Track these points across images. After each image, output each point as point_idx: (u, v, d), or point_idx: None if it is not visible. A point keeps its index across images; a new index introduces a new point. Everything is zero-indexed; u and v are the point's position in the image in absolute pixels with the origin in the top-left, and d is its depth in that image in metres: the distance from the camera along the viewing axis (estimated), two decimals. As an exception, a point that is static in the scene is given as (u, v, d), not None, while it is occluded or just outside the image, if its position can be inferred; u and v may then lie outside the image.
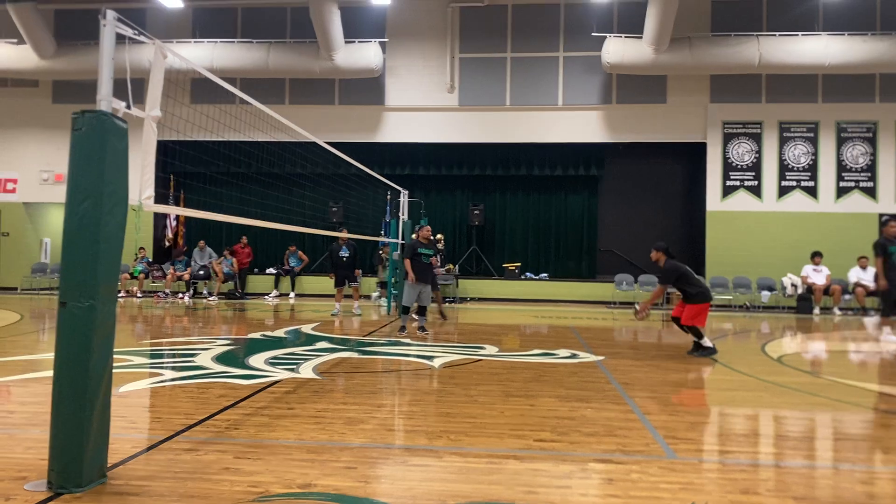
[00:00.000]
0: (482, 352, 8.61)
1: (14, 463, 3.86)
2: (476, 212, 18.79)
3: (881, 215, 17.06)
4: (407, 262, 10.53)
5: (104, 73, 3.60)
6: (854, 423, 5.41)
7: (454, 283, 17.86)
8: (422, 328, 10.53)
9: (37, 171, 19.33)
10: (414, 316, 10.73)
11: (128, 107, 3.74)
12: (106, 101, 3.60)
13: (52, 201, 19.33)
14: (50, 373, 3.55)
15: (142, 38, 3.87)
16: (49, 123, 19.10)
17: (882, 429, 5.24)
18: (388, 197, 17.41)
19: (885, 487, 3.77)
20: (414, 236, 11.31)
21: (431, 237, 10.99)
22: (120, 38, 3.73)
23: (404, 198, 14.52)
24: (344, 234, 13.22)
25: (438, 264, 13.03)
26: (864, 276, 15.89)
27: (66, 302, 3.50)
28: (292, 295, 18.02)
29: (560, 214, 19.45)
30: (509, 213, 19.65)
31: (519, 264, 18.81)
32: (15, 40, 17.78)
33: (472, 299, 17.99)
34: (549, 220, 19.50)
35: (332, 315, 13.16)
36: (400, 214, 14.55)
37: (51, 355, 3.55)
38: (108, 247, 3.58)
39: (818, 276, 16.03)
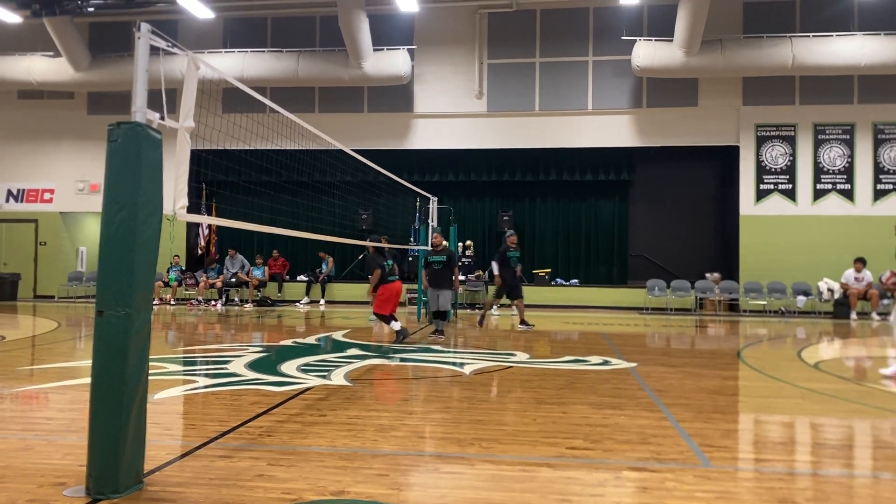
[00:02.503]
0: (513, 359, 8.57)
1: (53, 469, 3.93)
2: (505, 218, 18.75)
3: (920, 218, 16.70)
4: (423, 272, 11.20)
5: (139, 86, 3.66)
6: (894, 431, 5.28)
7: (484, 290, 17.84)
8: (440, 332, 10.79)
9: (73, 181, 19.72)
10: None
11: (162, 118, 3.80)
12: (141, 112, 3.66)
13: (87, 211, 19.71)
14: (87, 380, 3.61)
15: (175, 49, 3.92)
16: (84, 134, 19.47)
17: (925, 437, 5.10)
18: (418, 204, 17.44)
19: (929, 498, 3.67)
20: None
21: (443, 243, 11.31)
22: (153, 50, 3.78)
23: (433, 204, 14.55)
24: (384, 244, 13.53)
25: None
26: (904, 280, 15.53)
27: (102, 311, 3.55)
28: (322, 301, 18.14)
29: (590, 220, 19.32)
30: (539, 218, 19.57)
31: (549, 270, 18.71)
32: (51, 53, 18.18)
33: (502, 305, 17.91)
34: (579, 225, 19.38)
35: (371, 321, 13.40)
36: (429, 221, 14.58)
37: (88, 362, 3.61)
38: (143, 256, 3.63)
39: (860, 283, 15.66)
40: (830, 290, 16.08)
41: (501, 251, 12.39)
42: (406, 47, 17.75)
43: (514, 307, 13.16)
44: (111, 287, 3.56)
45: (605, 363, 8.27)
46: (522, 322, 12.40)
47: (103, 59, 18.25)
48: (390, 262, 10.52)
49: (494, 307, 16.64)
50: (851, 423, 5.50)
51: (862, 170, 17.03)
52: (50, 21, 16.98)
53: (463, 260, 17.76)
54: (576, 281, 18.77)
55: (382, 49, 17.51)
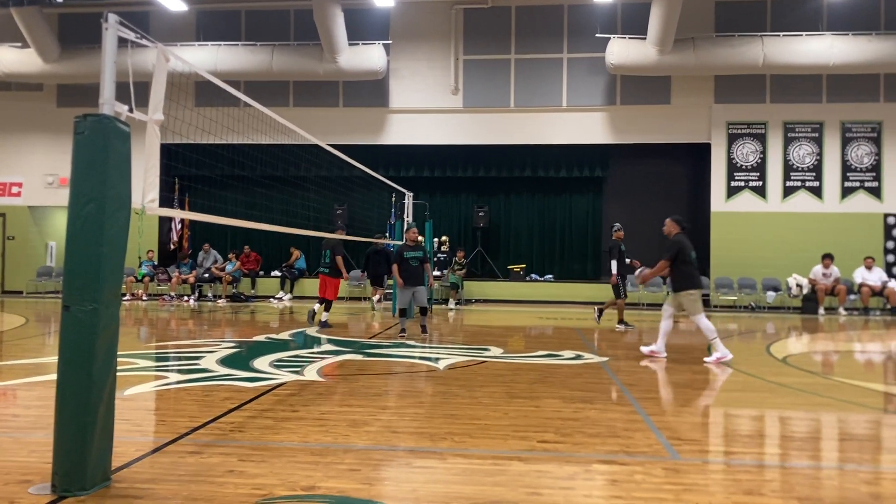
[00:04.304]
0: (487, 353, 8.60)
1: (18, 466, 3.88)
2: (481, 213, 18.79)
3: (886, 215, 17.03)
4: (395, 267, 10.54)
5: (106, 77, 3.62)
6: (859, 423, 5.40)
7: (460, 284, 17.85)
8: (423, 328, 10.54)
9: (42, 174, 19.40)
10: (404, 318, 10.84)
11: (130, 110, 3.76)
12: (108, 104, 3.61)
13: (57, 205, 19.39)
14: (55, 376, 3.56)
15: (144, 41, 3.88)
16: (54, 127, 19.16)
17: (887, 429, 5.22)
18: (393, 199, 17.41)
19: (889, 488, 3.75)
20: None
21: (419, 239, 10.99)
22: (123, 42, 3.74)
23: (409, 200, 14.54)
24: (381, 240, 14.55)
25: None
26: (870, 276, 15.83)
27: (69, 306, 3.51)
28: (288, 296, 18.03)
29: (565, 216, 19.43)
30: (514, 214, 19.64)
31: (524, 266, 18.79)
32: (19, 44, 17.85)
33: (478, 301, 17.97)
34: (553, 221, 19.49)
35: (375, 309, 15.03)
36: (405, 216, 14.56)
37: (55, 358, 3.56)
38: (111, 250, 3.59)
39: (827, 279, 15.93)
40: (799, 286, 16.34)
41: (614, 246, 11.86)
42: (381, 42, 17.71)
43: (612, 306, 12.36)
44: (78, 282, 3.52)
45: (578, 357, 8.33)
46: (621, 322, 12.02)
47: (73, 50, 17.96)
48: (326, 252, 11.72)
49: (452, 302, 16.69)
50: (817, 416, 5.61)
51: (830, 167, 17.32)
52: (18, 11, 16.67)
53: (438, 255, 17.79)
54: (550, 276, 18.88)
55: (358, 44, 17.44)
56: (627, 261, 12.13)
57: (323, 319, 11.57)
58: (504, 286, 18.43)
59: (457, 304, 17.06)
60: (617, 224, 12.53)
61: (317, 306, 11.88)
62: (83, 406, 3.46)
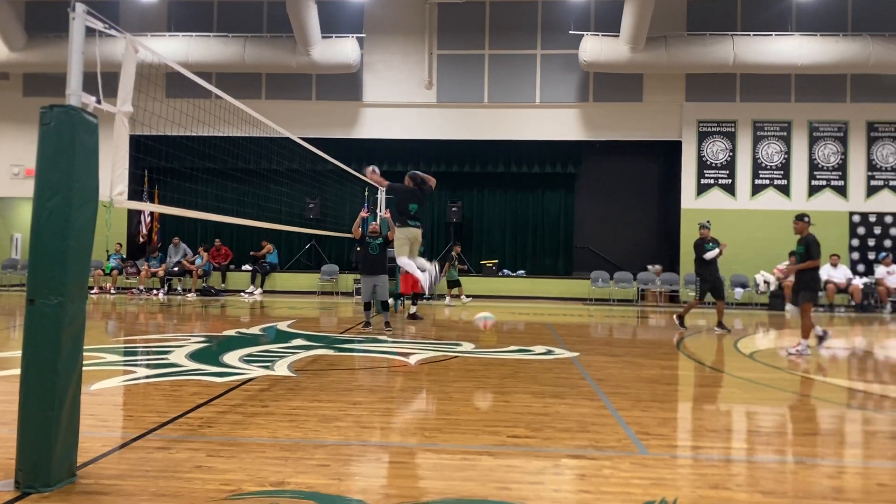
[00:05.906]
0: (459, 349, 8.62)
1: (-19, 462, 3.81)
2: (454, 209, 18.79)
3: (851, 214, 17.36)
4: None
5: (73, 68, 3.56)
6: (822, 418, 5.50)
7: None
8: (386, 324, 10.48)
9: (7, 165, 19.02)
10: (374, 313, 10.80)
11: (98, 101, 3.70)
12: (75, 95, 3.55)
13: (22, 196, 19.03)
14: (19, 371, 3.50)
15: (112, 31, 3.82)
16: (20, 117, 18.78)
17: (849, 424, 5.33)
18: (366, 193, 17.34)
19: (851, 482, 3.84)
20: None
21: (377, 226, 10.81)
22: (91, 31, 3.68)
23: (381, 194, 14.48)
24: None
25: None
26: (835, 273, 16.13)
27: (34, 299, 3.45)
28: (258, 290, 17.89)
29: (537, 212, 19.52)
30: (487, 210, 19.68)
31: (497, 261, 18.84)
32: (-16, 32, 17.48)
33: (451, 296, 17.96)
34: (526, 217, 19.56)
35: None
36: (378, 211, 14.51)
37: (20, 353, 3.50)
38: (77, 243, 3.53)
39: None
40: (766, 283, 16.61)
41: (698, 244, 11.18)
42: (355, 35, 17.62)
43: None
44: (43, 275, 3.46)
45: (549, 353, 8.39)
46: (720, 324, 11.27)
47: (40, 39, 17.62)
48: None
49: (463, 297, 16.69)
50: (783, 411, 5.71)
51: (798, 166, 17.60)
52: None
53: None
54: (522, 272, 18.96)
55: (331, 37, 17.34)
56: (717, 251, 11.13)
57: (412, 311, 12.31)
58: (476, 281, 18.45)
59: (466, 297, 16.92)
60: (704, 221, 11.73)
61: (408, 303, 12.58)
62: (48, 401, 3.41)
